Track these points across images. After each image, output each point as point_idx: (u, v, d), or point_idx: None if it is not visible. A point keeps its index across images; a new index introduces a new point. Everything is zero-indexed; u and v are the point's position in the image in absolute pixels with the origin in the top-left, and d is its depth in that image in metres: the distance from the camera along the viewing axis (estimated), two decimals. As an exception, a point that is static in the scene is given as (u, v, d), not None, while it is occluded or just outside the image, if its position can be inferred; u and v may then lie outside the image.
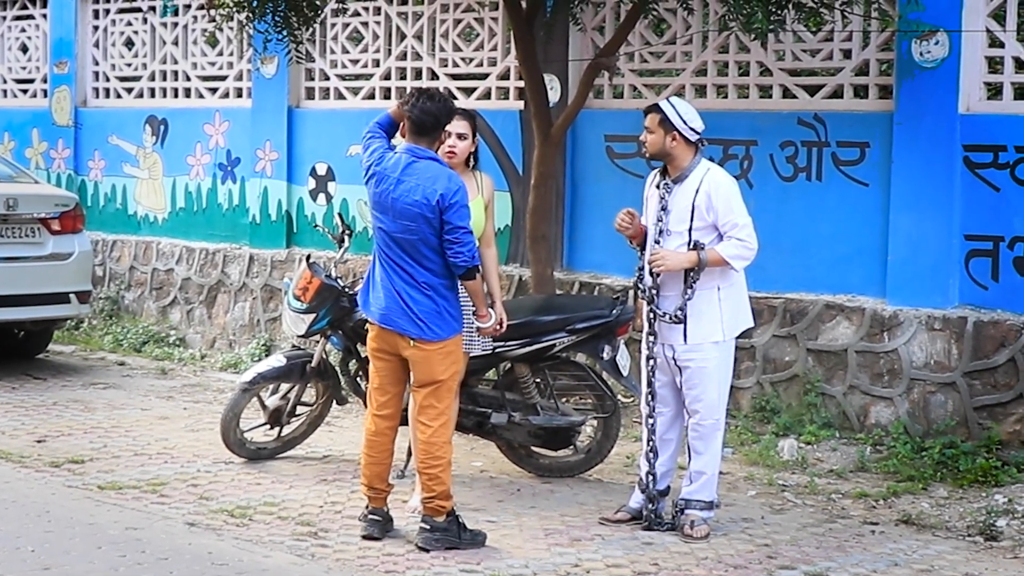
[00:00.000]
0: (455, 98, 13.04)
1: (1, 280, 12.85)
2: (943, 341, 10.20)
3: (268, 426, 10.03)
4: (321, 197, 13.91)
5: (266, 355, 13.09)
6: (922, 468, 9.78)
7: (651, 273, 8.33)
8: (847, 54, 10.95)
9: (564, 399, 9.85)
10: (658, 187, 8.42)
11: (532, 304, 9.89)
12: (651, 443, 8.52)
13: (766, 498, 9.37)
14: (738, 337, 8.56)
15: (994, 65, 10.37)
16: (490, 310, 8.36)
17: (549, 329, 9.02)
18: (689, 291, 8.21)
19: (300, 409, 10.05)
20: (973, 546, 8.45)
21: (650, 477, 8.52)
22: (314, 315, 9.50)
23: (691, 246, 8.20)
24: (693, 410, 8.36)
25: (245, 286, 14.43)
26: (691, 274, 8.20)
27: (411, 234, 7.79)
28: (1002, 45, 10.23)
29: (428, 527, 8.01)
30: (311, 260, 9.86)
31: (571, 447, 9.67)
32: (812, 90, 11.14)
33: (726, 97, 11.58)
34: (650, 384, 8.51)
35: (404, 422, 9.13)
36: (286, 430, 10.06)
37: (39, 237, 13.24)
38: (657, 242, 8.33)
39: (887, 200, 10.55)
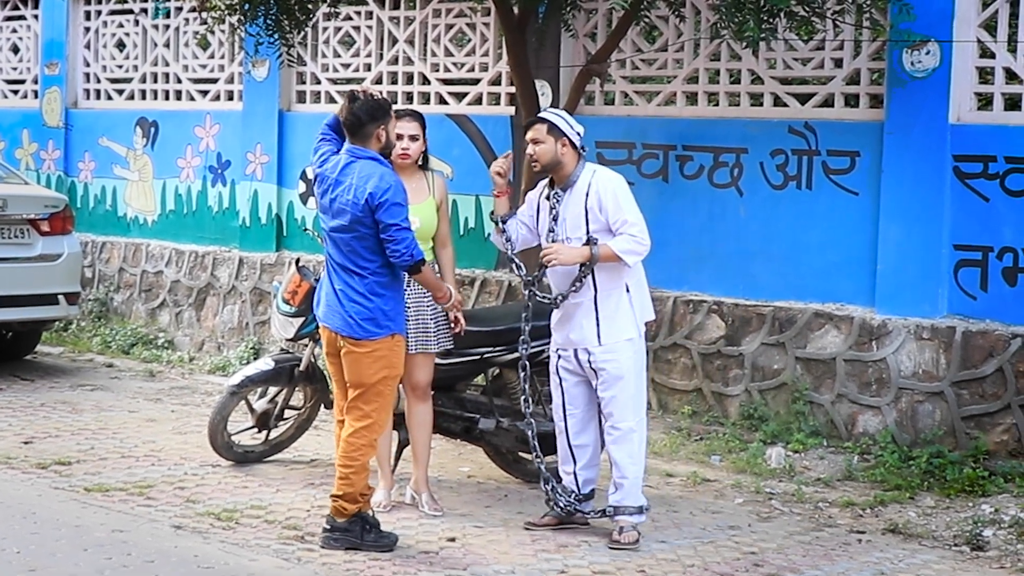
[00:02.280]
0: (446, 103, 13.06)
1: (-10, 280, 12.85)
2: (931, 351, 10.21)
3: (256, 429, 10.02)
4: (311, 201, 13.90)
5: (254, 358, 13.09)
6: (909, 477, 9.79)
7: (542, 266, 8.39)
8: (838, 63, 10.97)
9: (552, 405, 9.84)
10: (548, 199, 8.46)
11: (520, 309, 9.86)
12: (560, 449, 8.62)
13: (753, 506, 9.38)
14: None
15: (985, 75, 10.40)
16: (448, 286, 8.45)
17: (538, 335, 9.01)
18: (577, 284, 8.26)
19: (288, 413, 10.04)
20: (960, 556, 8.45)
21: (572, 482, 8.56)
22: (303, 319, 9.48)
23: (586, 242, 8.24)
24: (608, 413, 8.35)
25: (234, 289, 14.42)
26: (582, 269, 8.24)
27: (346, 233, 7.84)
28: (993, 56, 10.25)
29: (329, 527, 8.04)
30: (300, 264, 9.85)
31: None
32: (803, 99, 11.16)
33: (717, 105, 11.59)
34: (559, 390, 8.54)
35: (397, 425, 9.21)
36: (274, 433, 10.05)
37: (28, 238, 13.22)
38: None
39: (877, 209, 10.56)
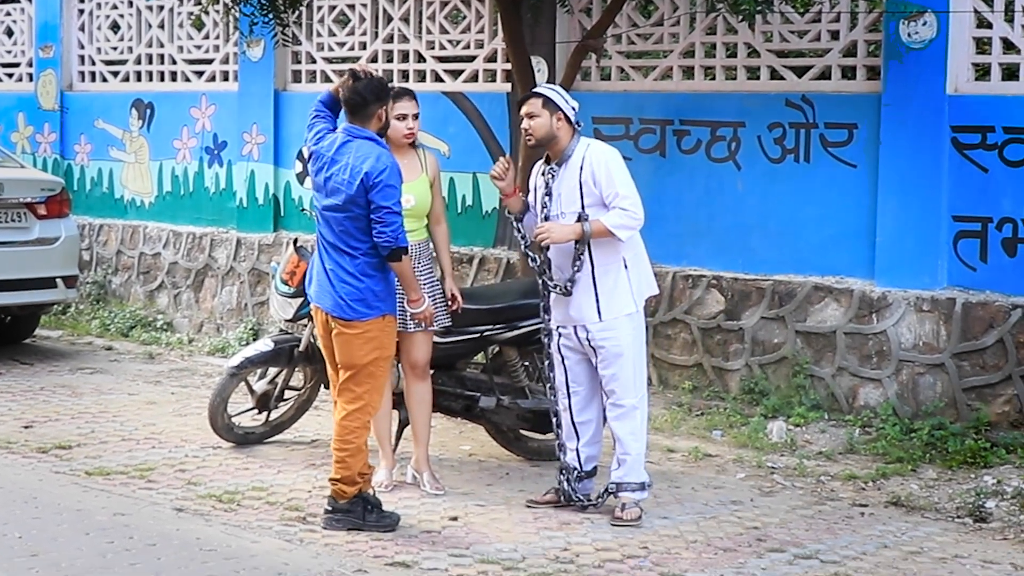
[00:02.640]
0: (441, 80, 13.03)
1: (-12, 265, 12.84)
2: (931, 322, 10.20)
3: (256, 411, 10.01)
4: (308, 181, 13.84)
5: (254, 339, 13.09)
6: (911, 450, 9.78)
7: (541, 248, 8.35)
8: (835, 35, 10.94)
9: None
10: (543, 174, 8.44)
11: (520, 287, 9.85)
12: (564, 428, 8.58)
13: (755, 480, 9.37)
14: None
15: (982, 46, 10.37)
16: (424, 295, 8.34)
17: (537, 312, 9.00)
18: (578, 263, 8.22)
19: (288, 393, 10.03)
20: (962, 527, 8.45)
21: (575, 459, 8.54)
22: (301, 299, 9.45)
23: (578, 219, 8.22)
24: (609, 390, 8.33)
25: (232, 270, 14.40)
26: (578, 246, 8.21)
27: (339, 212, 7.82)
28: (990, 26, 10.22)
29: (330, 508, 8.04)
30: (298, 244, 9.83)
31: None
32: (800, 71, 11.12)
33: (714, 79, 11.56)
34: (561, 368, 8.51)
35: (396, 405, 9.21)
36: (274, 415, 10.04)
37: (25, 222, 13.21)
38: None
39: (875, 182, 10.54)
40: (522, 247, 8.72)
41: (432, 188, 9.00)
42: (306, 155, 8.08)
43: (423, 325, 8.66)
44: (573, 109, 8.36)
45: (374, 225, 7.75)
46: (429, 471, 8.96)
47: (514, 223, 8.65)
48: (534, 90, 8.60)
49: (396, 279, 8.08)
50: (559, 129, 8.30)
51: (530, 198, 8.62)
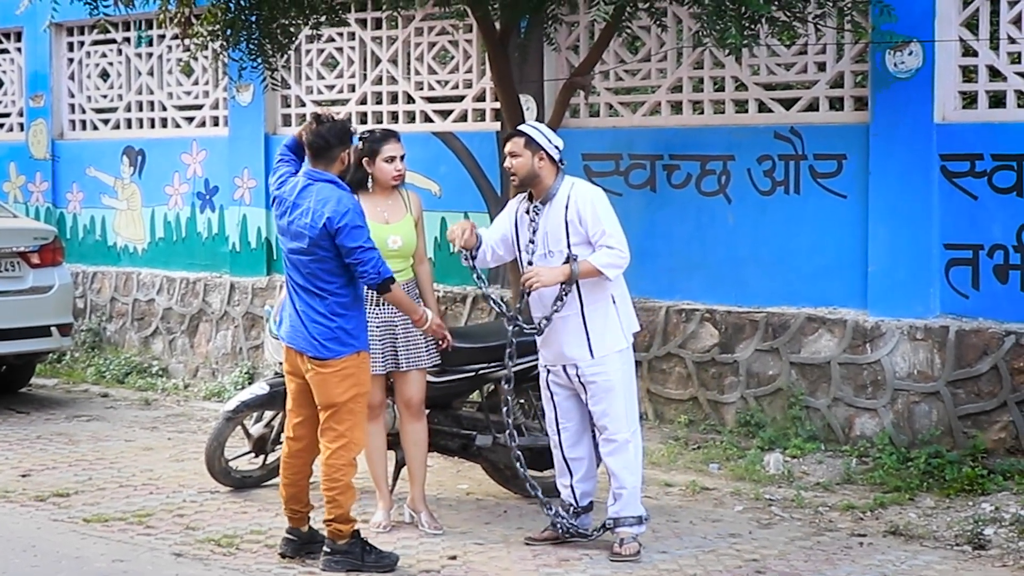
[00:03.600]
0: (431, 121, 13.06)
1: (-18, 315, 12.85)
2: (926, 351, 10.21)
3: (253, 454, 10.02)
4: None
5: (249, 383, 13.08)
6: (908, 478, 9.79)
7: (525, 292, 8.36)
8: (821, 67, 10.98)
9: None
10: (527, 212, 8.46)
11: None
12: (556, 462, 8.61)
13: (753, 513, 9.37)
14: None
15: (968, 74, 10.41)
16: (425, 309, 8.43)
17: (532, 350, 9.01)
18: (559, 302, 8.23)
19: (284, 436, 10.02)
20: (961, 555, 8.45)
21: (570, 495, 8.55)
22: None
23: (565, 260, 8.24)
24: (602, 426, 8.33)
25: (227, 314, 14.41)
26: (564, 286, 8.22)
27: (305, 255, 7.86)
28: (976, 54, 10.26)
29: (329, 550, 8.04)
30: (292, 287, 9.83)
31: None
32: (788, 104, 11.16)
33: (702, 113, 11.60)
34: (551, 404, 8.52)
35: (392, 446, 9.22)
36: (271, 457, 10.03)
37: (19, 271, 13.22)
38: (530, 263, 8.38)
39: (866, 211, 10.57)
40: (483, 289, 8.69)
41: (416, 227, 9.01)
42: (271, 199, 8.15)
43: (437, 342, 8.82)
44: (556, 148, 8.37)
45: (353, 268, 7.81)
46: (427, 510, 8.95)
47: (470, 259, 8.62)
48: (517, 128, 8.62)
49: (368, 314, 8.22)
50: (541, 168, 8.32)
51: (494, 230, 8.61)
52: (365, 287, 8.13)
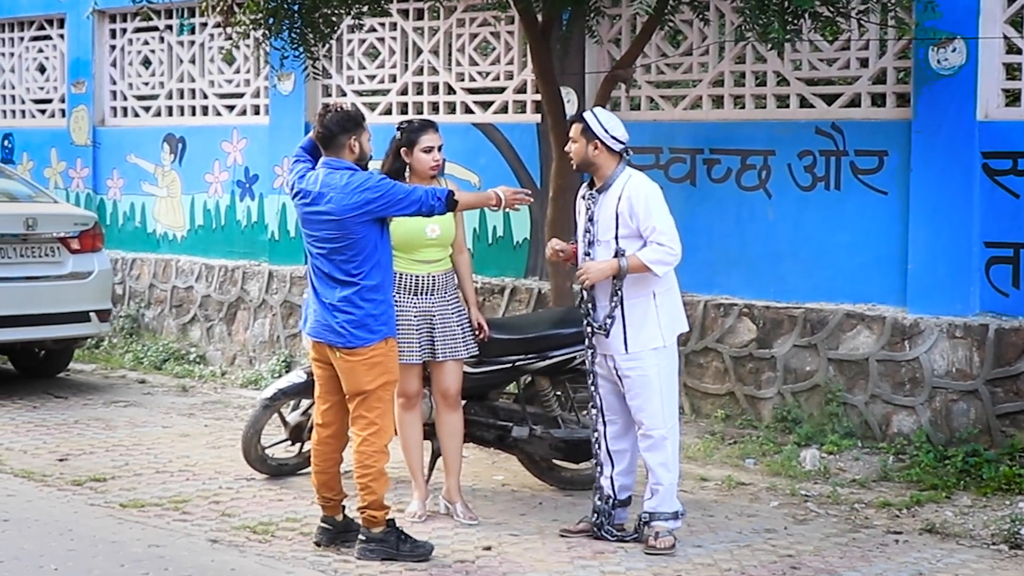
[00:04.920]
0: (471, 112, 13.07)
1: (22, 299, 12.91)
2: (964, 349, 10.17)
3: (289, 442, 10.04)
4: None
5: (286, 371, 13.10)
6: (945, 477, 9.75)
7: (582, 287, 8.37)
8: (864, 63, 10.95)
9: (585, 411, 9.82)
10: (584, 199, 8.46)
11: (552, 317, 9.87)
12: (600, 455, 8.56)
13: (789, 508, 9.35)
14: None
15: (1012, 71, 10.37)
16: (497, 190, 8.34)
17: (569, 342, 9.01)
18: (615, 298, 8.23)
19: (321, 424, 10.05)
20: (998, 555, 8.41)
21: (609, 487, 8.52)
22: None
23: (615, 254, 8.22)
24: (638, 421, 8.32)
25: (265, 303, 14.44)
26: (615, 282, 8.23)
27: (333, 243, 7.90)
28: (1019, 51, 10.22)
29: (364, 538, 8.05)
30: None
31: (593, 459, 9.65)
32: (829, 99, 11.13)
33: (743, 107, 11.57)
34: (597, 396, 8.51)
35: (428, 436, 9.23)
36: (307, 446, 10.03)
37: (59, 256, 13.28)
38: (587, 254, 8.39)
39: (906, 208, 10.53)
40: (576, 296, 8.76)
41: (455, 217, 9.01)
42: (289, 193, 8.19)
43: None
44: (614, 138, 8.33)
45: (417, 213, 7.94)
46: (461, 501, 8.96)
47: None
48: (579, 113, 8.63)
49: (405, 303, 8.44)
50: (596, 156, 8.32)
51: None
52: (395, 275, 8.29)
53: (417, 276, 8.82)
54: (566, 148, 8.55)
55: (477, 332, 9.01)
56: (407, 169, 8.89)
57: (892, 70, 10.83)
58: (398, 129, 8.95)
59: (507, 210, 8.81)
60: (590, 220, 8.37)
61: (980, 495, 9.50)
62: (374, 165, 8.52)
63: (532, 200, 8.57)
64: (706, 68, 11.73)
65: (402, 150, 8.87)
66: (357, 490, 8.03)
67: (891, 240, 10.64)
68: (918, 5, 10.06)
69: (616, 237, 8.24)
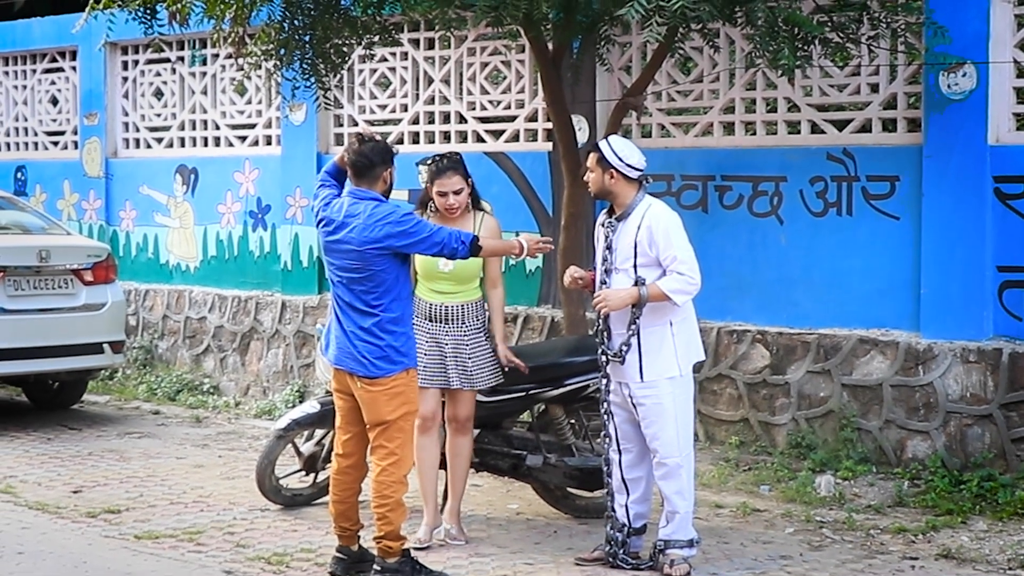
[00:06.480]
0: (483, 141, 13.09)
1: (35, 331, 12.94)
2: (978, 373, 10.16)
3: (303, 472, 10.03)
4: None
5: (300, 401, 13.12)
6: (960, 501, 9.73)
7: (598, 314, 8.36)
8: (875, 88, 10.96)
9: (599, 440, 9.82)
10: (603, 226, 8.46)
11: (565, 345, 9.87)
12: (612, 484, 8.54)
13: (804, 535, 9.33)
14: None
15: (1022, 96, 10.36)
16: (520, 239, 8.36)
17: (582, 370, 9.01)
18: (633, 327, 8.23)
19: (335, 455, 10.05)
20: (1014, 579, 8.41)
21: (624, 515, 8.50)
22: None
23: (635, 283, 8.22)
24: (653, 449, 8.30)
25: (278, 333, 14.46)
26: (634, 310, 8.21)
27: (354, 273, 7.90)
28: (1030, 76, 10.24)
29: (379, 568, 8.04)
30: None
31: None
32: (840, 125, 11.14)
33: (755, 134, 11.58)
34: (610, 424, 8.49)
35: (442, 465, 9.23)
36: (321, 476, 10.05)
37: (72, 288, 13.31)
38: (604, 282, 8.38)
39: (918, 233, 10.53)
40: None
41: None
42: (315, 221, 8.20)
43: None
44: (629, 166, 8.31)
45: (440, 253, 7.96)
46: (457, 524, 8.99)
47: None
48: (596, 143, 8.62)
49: (417, 329, 8.46)
50: (613, 185, 8.32)
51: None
52: (415, 302, 8.31)
53: (431, 304, 8.87)
54: (583, 177, 8.56)
55: (505, 366, 9.01)
56: (432, 200, 8.97)
57: (903, 95, 10.84)
58: (427, 162, 9.05)
59: (529, 258, 8.83)
60: (608, 248, 8.37)
61: (996, 520, 9.48)
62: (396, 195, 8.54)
63: (552, 248, 8.59)
64: (717, 95, 11.75)
65: (428, 185, 8.94)
66: (374, 520, 8.02)
67: (904, 265, 10.63)
68: (928, 30, 10.07)
69: (635, 266, 8.23)
